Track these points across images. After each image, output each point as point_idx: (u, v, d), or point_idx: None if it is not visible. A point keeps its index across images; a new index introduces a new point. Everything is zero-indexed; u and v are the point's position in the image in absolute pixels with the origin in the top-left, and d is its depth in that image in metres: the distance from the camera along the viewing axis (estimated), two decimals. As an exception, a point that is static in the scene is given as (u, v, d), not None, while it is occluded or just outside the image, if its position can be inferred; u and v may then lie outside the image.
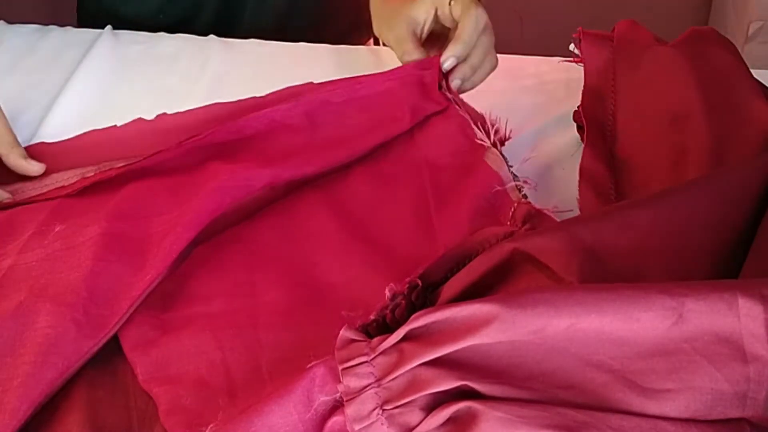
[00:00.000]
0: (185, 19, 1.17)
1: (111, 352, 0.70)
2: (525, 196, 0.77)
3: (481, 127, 0.83)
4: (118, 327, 0.70)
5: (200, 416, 0.63)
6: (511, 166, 0.80)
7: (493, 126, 0.83)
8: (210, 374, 0.67)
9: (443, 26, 0.93)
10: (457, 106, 0.86)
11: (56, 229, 0.76)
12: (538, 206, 0.75)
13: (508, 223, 0.74)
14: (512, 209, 0.74)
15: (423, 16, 0.91)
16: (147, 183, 0.81)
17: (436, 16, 0.91)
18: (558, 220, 0.73)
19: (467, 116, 0.85)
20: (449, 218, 0.78)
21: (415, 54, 0.90)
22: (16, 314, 0.69)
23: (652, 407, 0.54)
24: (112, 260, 0.73)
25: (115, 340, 0.70)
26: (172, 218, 0.77)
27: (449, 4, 0.90)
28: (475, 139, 0.83)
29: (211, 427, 0.60)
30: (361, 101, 0.88)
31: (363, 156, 0.85)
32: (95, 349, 0.68)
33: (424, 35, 0.93)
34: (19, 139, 0.88)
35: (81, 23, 1.24)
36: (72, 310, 0.69)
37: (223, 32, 1.09)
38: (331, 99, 0.88)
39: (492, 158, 0.80)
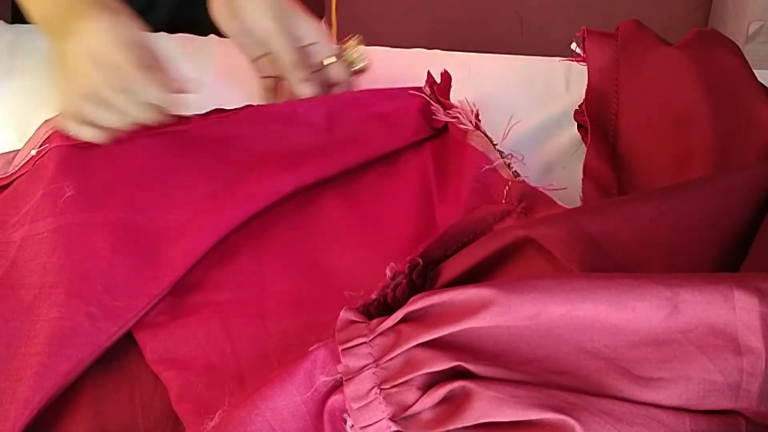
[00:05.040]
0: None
1: (116, 348, 0.70)
2: (516, 173, 0.78)
3: (461, 113, 0.84)
4: (134, 322, 0.71)
5: (210, 403, 0.64)
6: (496, 144, 0.81)
7: (473, 111, 0.84)
8: (220, 362, 0.68)
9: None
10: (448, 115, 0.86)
11: (67, 194, 0.76)
12: (533, 184, 0.75)
13: (503, 201, 0.75)
14: (506, 187, 0.76)
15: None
16: (163, 171, 0.82)
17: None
18: (552, 197, 0.74)
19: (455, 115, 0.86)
20: (447, 202, 0.79)
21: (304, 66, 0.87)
22: (31, 306, 0.70)
23: (645, 395, 0.55)
24: (127, 253, 0.74)
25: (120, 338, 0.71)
26: (186, 214, 0.78)
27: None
28: (458, 126, 0.84)
29: (220, 413, 0.61)
30: (376, 114, 0.88)
31: (377, 158, 0.86)
32: (110, 342, 0.69)
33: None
34: (20, 141, 0.87)
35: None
36: (86, 303, 0.69)
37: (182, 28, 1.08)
38: (349, 106, 0.89)
39: (476, 139, 0.81)
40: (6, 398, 0.65)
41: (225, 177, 0.81)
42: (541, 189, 0.75)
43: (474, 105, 0.85)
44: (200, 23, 1.08)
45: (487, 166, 0.78)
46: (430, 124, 0.87)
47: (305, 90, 0.87)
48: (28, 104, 0.95)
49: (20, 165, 0.83)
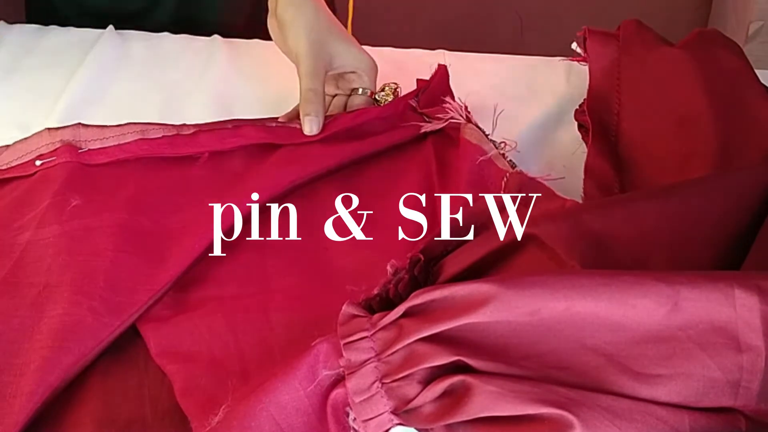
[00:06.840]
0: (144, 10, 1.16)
1: (124, 339, 0.71)
2: (512, 163, 0.78)
3: (453, 109, 0.84)
4: (135, 317, 0.71)
5: (214, 398, 0.64)
6: (489, 134, 0.81)
7: (462, 106, 0.84)
8: (224, 356, 0.69)
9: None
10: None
11: (73, 203, 0.77)
12: (530, 174, 0.75)
13: (502, 192, 0.75)
14: (504, 178, 0.75)
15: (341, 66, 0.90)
16: (166, 175, 0.83)
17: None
18: (550, 187, 0.74)
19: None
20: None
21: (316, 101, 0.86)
22: (35, 303, 0.70)
23: (644, 391, 0.55)
24: (130, 252, 0.75)
25: (128, 329, 0.71)
26: (190, 216, 0.78)
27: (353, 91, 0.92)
28: (451, 122, 0.84)
29: (224, 408, 0.61)
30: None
31: (378, 152, 0.86)
32: (112, 336, 0.69)
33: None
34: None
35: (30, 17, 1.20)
36: (89, 298, 0.70)
37: (186, 28, 1.09)
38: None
39: (469, 132, 0.81)
40: (10, 392, 0.65)
41: (226, 181, 0.82)
42: (539, 179, 0.75)
43: (462, 100, 0.85)
44: (204, 23, 1.08)
45: (482, 158, 0.78)
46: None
47: (306, 127, 0.85)
48: (30, 104, 0.96)
49: (12, 165, 0.84)
